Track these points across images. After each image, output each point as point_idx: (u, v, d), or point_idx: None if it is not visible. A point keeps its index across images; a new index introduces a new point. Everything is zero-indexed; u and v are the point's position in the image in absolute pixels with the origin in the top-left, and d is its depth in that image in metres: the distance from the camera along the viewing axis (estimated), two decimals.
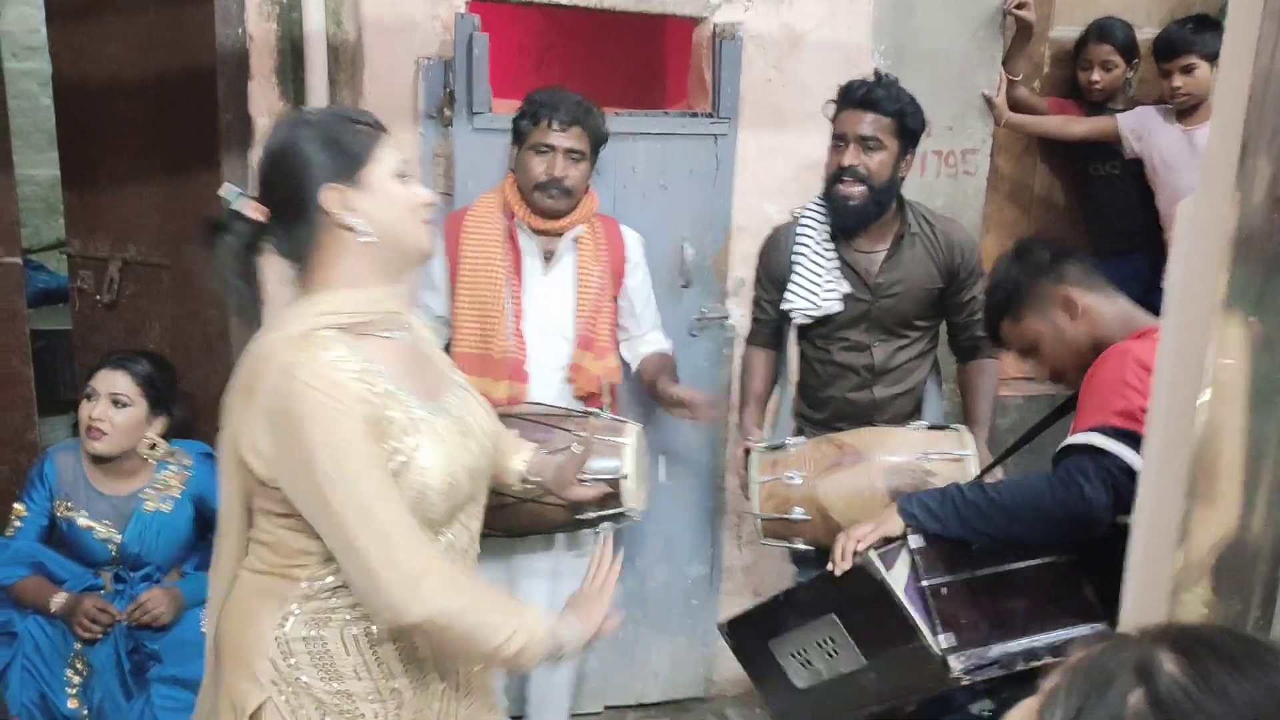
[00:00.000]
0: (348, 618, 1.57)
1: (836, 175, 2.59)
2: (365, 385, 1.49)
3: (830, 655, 2.10)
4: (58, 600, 2.56)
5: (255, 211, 1.55)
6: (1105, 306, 2.10)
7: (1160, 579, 1.04)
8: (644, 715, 3.37)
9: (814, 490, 2.50)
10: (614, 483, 2.41)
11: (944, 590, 1.91)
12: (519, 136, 2.62)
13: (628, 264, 2.75)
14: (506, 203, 2.64)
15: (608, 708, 3.33)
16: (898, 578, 1.94)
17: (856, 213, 2.59)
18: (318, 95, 2.78)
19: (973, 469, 2.45)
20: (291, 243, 1.56)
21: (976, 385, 2.79)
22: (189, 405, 2.83)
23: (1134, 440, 1.81)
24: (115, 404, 2.63)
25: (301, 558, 1.56)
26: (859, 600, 1.99)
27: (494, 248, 2.62)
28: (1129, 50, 3.47)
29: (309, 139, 1.54)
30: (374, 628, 1.58)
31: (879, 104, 2.55)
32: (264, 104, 2.82)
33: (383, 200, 1.54)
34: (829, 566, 2.04)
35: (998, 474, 2.55)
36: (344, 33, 2.81)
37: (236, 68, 2.80)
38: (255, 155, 2.82)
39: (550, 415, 2.51)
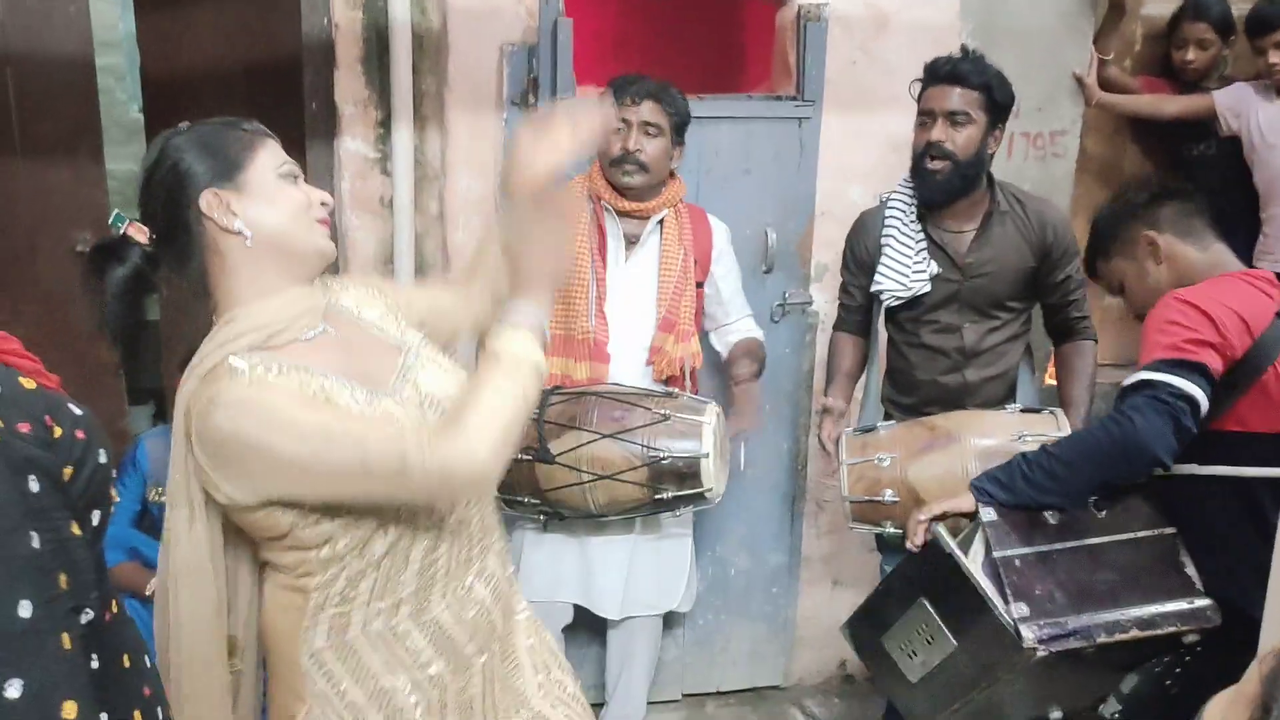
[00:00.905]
0: (364, 617, 1.53)
1: (923, 152, 2.55)
2: (296, 382, 1.43)
3: (928, 642, 2.07)
4: (153, 583, 2.60)
5: (138, 233, 1.48)
6: (1193, 253, 2.13)
7: None
8: (722, 703, 3.36)
9: (905, 472, 2.47)
10: (693, 463, 2.41)
11: (1017, 562, 1.92)
12: None
13: (714, 252, 2.73)
14: (592, 186, 2.65)
15: (686, 695, 3.31)
16: (975, 555, 1.96)
17: (942, 188, 2.55)
18: (402, 83, 2.79)
19: None
20: (182, 261, 1.49)
21: (1073, 367, 2.72)
22: None
23: (1184, 368, 1.87)
24: None
25: (302, 569, 1.52)
26: (938, 578, 2.01)
27: (579, 229, 2.62)
28: (1225, 27, 3.36)
29: (182, 148, 1.47)
30: (395, 620, 1.54)
31: (966, 77, 2.50)
32: (349, 93, 2.83)
33: (266, 202, 1.47)
34: (908, 544, 2.08)
35: None
36: (428, 20, 2.81)
37: (322, 57, 2.81)
38: (341, 143, 2.86)
39: (630, 394, 2.52)
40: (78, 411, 1.13)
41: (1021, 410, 2.55)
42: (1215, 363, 1.90)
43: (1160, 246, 2.13)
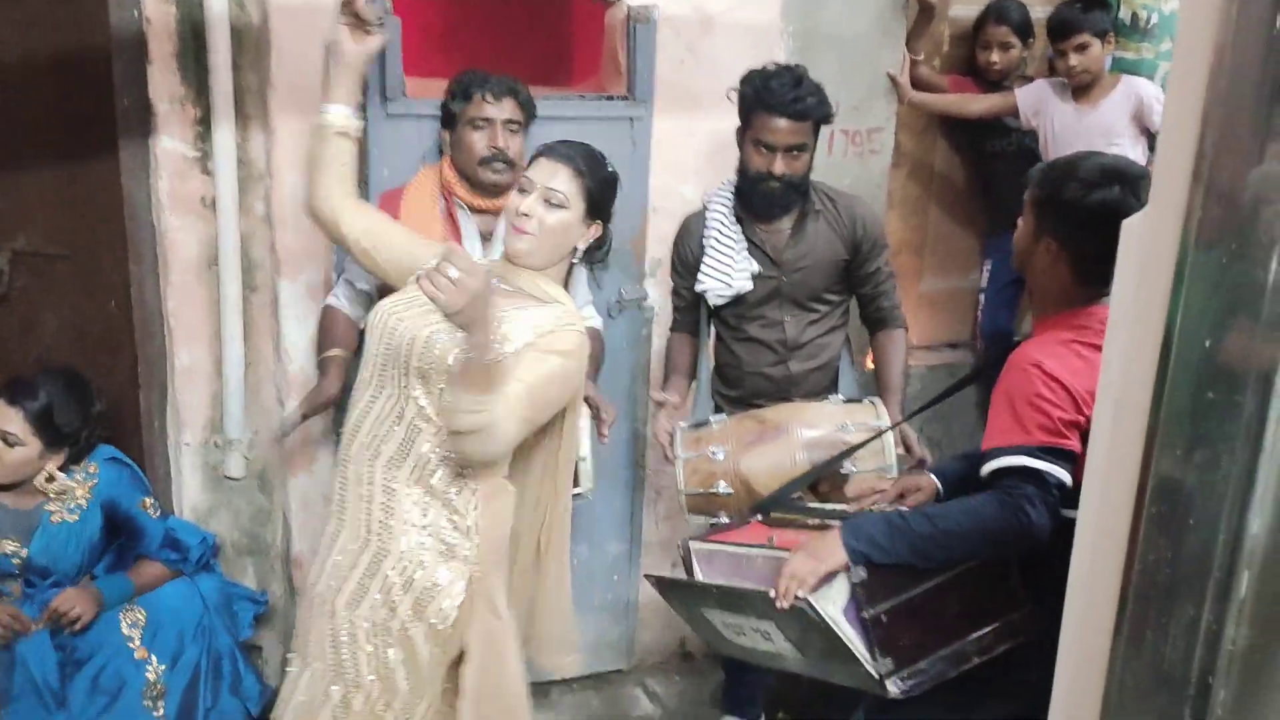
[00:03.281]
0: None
1: (763, 178, 2.63)
2: None
3: (764, 638, 2.15)
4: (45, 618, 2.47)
5: None
6: (1073, 291, 2.00)
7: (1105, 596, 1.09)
8: (566, 689, 3.41)
9: (737, 464, 2.58)
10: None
11: (884, 618, 1.90)
12: (451, 118, 2.60)
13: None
14: (445, 183, 2.62)
15: (531, 684, 3.34)
16: (835, 604, 1.92)
17: (780, 201, 2.68)
18: (221, 80, 2.70)
19: (889, 441, 2.55)
20: None
21: (887, 355, 2.87)
22: (104, 420, 2.71)
23: (1061, 456, 1.89)
24: (5, 442, 2.51)
25: None
26: (798, 626, 1.99)
27: (432, 227, 2.60)
28: (1025, 31, 3.59)
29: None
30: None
31: (806, 112, 2.58)
32: (164, 89, 2.72)
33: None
34: (770, 592, 1.96)
35: (910, 434, 2.67)
36: (248, 16, 2.71)
37: (134, 51, 2.69)
38: (157, 142, 2.74)
39: None
40: None
41: (845, 401, 2.69)
42: (1079, 445, 1.90)
43: (1058, 250, 2.00)
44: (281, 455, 2.98)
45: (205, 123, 2.76)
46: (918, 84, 3.49)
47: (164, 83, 2.72)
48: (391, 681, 2.00)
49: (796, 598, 1.91)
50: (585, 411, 2.51)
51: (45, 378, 2.60)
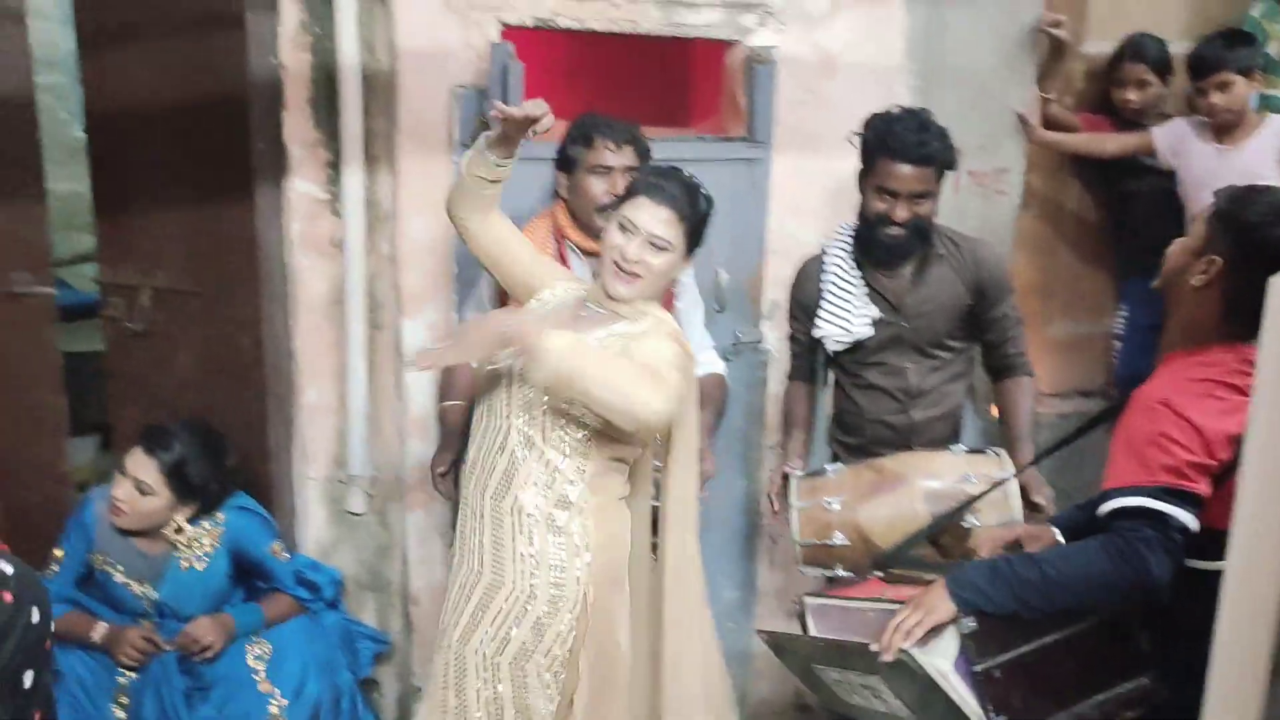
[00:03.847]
0: None
1: (884, 222, 2.57)
2: None
3: (874, 696, 2.07)
4: (100, 630, 2.55)
5: None
6: (1227, 307, 1.86)
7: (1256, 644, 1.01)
8: None
9: (854, 515, 2.50)
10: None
11: (997, 673, 1.80)
12: (570, 163, 2.62)
13: (676, 286, 2.74)
14: (558, 226, 2.64)
15: None
16: (945, 657, 1.84)
17: (904, 249, 2.61)
18: (352, 125, 2.77)
19: (1014, 493, 2.44)
20: None
21: (1014, 403, 2.76)
22: (235, 475, 2.79)
23: (1186, 500, 1.76)
24: (139, 490, 2.60)
25: None
26: (906, 682, 1.91)
27: None
28: (1163, 67, 3.44)
29: None
30: None
31: (933, 159, 2.52)
32: (298, 134, 2.81)
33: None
34: (873, 647, 1.89)
35: (1042, 487, 2.55)
36: (378, 62, 2.79)
37: (270, 97, 2.79)
38: (290, 184, 2.83)
39: None
40: (8, 571, 1.09)
41: (968, 451, 2.59)
42: (1207, 489, 1.79)
43: (1220, 272, 1.87)
44: (402, 491, 3.02)
45: (335, 166, 2.84)
46: (1048, 123, 3.38)
47: (298, 127, 2.82)
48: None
49: (900, 651, 1.83)
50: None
51: (182, 430, 2.68)
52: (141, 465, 2.60)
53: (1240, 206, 1.90)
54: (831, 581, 2.66)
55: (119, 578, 2.64)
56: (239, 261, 2.92)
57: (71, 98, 5.34)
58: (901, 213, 2.54)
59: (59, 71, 5.45)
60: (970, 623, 1.83)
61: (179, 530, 2.65)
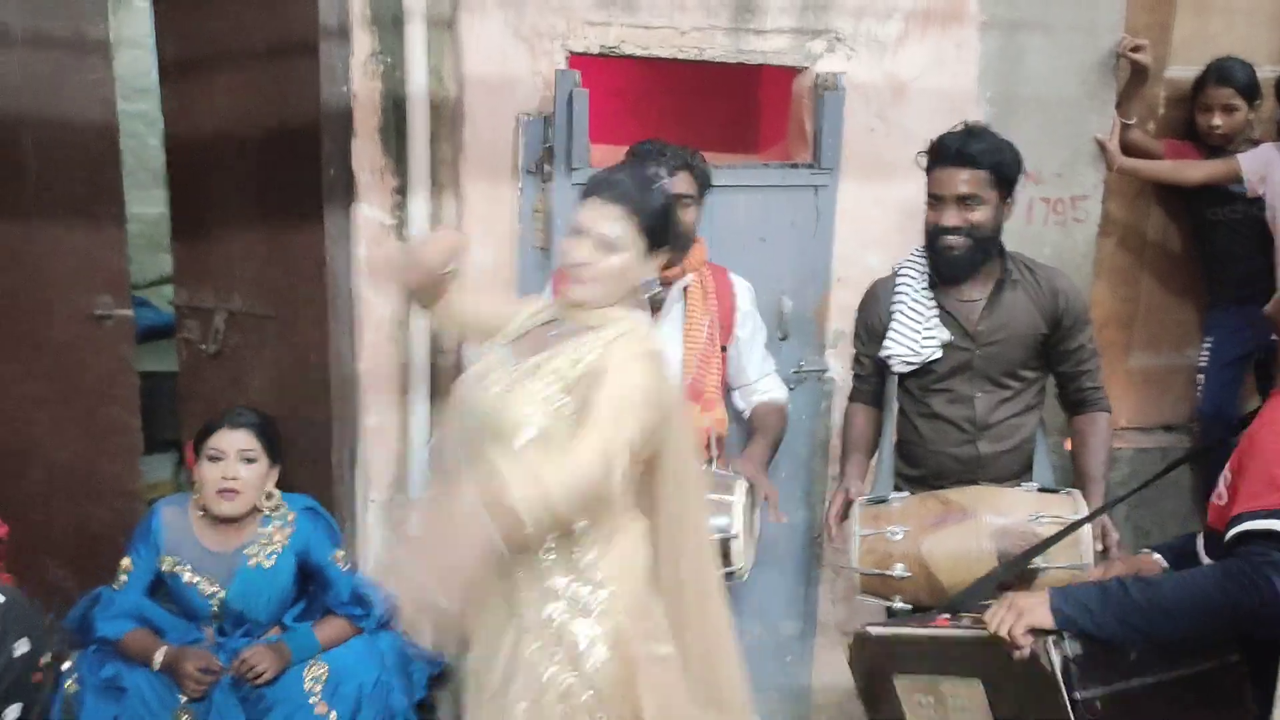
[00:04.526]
0: None
1: (937, 232, 2.52)
2: None
3: (959, 710, 2.00)
4: (159, 656, 2.59)
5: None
6: None
7: None
8: None
9: (917, 547, 2.43)
10: (723, 542, 2.38)
11: (1097, 704, 1.76)
12: None
13: (737, 313, 2.71)
14: None
15: None
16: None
17: (961, 262, 2.53)
18: (419, 152, 2.81)
19: (1086, 536, 2.36)
20: None
21: (1088, 440, 2.67)
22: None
23: None
24: (245, 460, 2.69)
25: None
26: (1019, 683, 1.86)
27: None
28: (1250, 92, 3.33)
29: None
30: None
31: (975, 159, 2.47)
32: (367, 160, 2.85)
33: None
34: (1015, 654, 1.85)
35: (1110, 531, 2.46)
36: (445, 90, 2.83)
37: (341, 124, 2.83)
38: (358, 210, 2.87)
39: None
40: None
41: (1039, 489, 2.51)
42: None
43: None
44: None
45: (402, 191, 2.88)
46: (1130, 149, 3.28)
47: (366, 154, 2.86)
48: None
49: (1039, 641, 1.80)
50: (741, 486, 2.44)
51: (240, 408, 2.82)
52: (236, 438, 2.70)
53: None
54: (891, 613, 2.60)
55: (188, 577, 2.68)
56: (308, 285, 2.97)
57: (160, 124, 5.53)
58: (950, 218, 2.48)
59: (150, 99, 5.64)
60: (1075, 646, 1.79)
61: (269, 496, 2.74)
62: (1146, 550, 2.21)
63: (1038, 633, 1.84)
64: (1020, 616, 1.82)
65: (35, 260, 2.84)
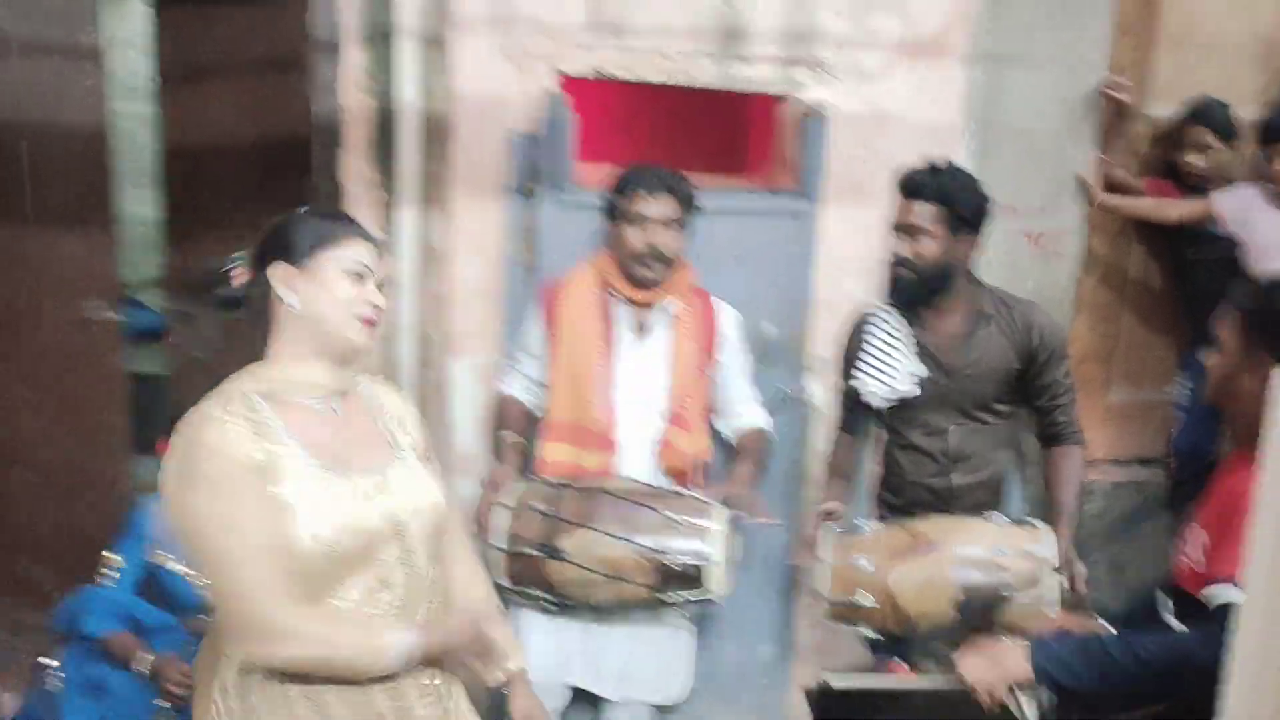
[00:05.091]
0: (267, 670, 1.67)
1: (890, 261, 2.59)
2: (254, 441, 1.63)
3: None
4: (140, 664, 2.60)
5: (239, 276, 1.77)
6: None
7: None
8: None
9: (884, 578, 2.45)
10: (701, 567, 2.42)
11: None
12: (612, 212, 2.65)
13: (719, 339, 2.75)
14: (602, 274, 2.67)
15: None
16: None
17: (903, 290, 2.59)
18: (408, 167, 2.84)
19: (1048, 569, 2.38)
20: (254, 306, 1.75)
21: (1061, 473, 2.69)
22: None
23: None
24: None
25: None
26: None
27: (589, 317, 2.66)
28: (1228, 132, 3.37)
29: (285, 223, 1.76)
30: (288, 685, 1.67)
31: (922, 191, 2.53)
32: (356, 173, 2.89)
33: (319, 285, 1.71)
34: (985, 701, 1.86)
35: (1081, 577, 2.49)
36: (435, 106, 2.86)
37: (331, 137, 2.88)
38: None
39: (637, 493, 2.53)
40: None
41: (1008, 521, 2.54)
42: None
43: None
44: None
45: (391, 206, 2.91)
46: (1111, 186, 3.33)
47: (356, 167, 2.90)
48: None
49: (1011, 695, 1.81)
50: (722, 512, 2.48)
51: None
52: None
53: (1272, 302, 1.87)
54: (869, 642, 2.63)
55: (177, 568, 2.68)
56: None
57: (154, 125, 5.57)
58: (897, 246, 2.54)
59: (142, 99, 5.67)
60: (1049, 694, 1.80)
61: None
62: (1092, 616, 2.23)
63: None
64: (998, 669, 1.83)
65: (28, 264, 2.88)
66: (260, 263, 1.73)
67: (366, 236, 1.77)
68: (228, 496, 1.60)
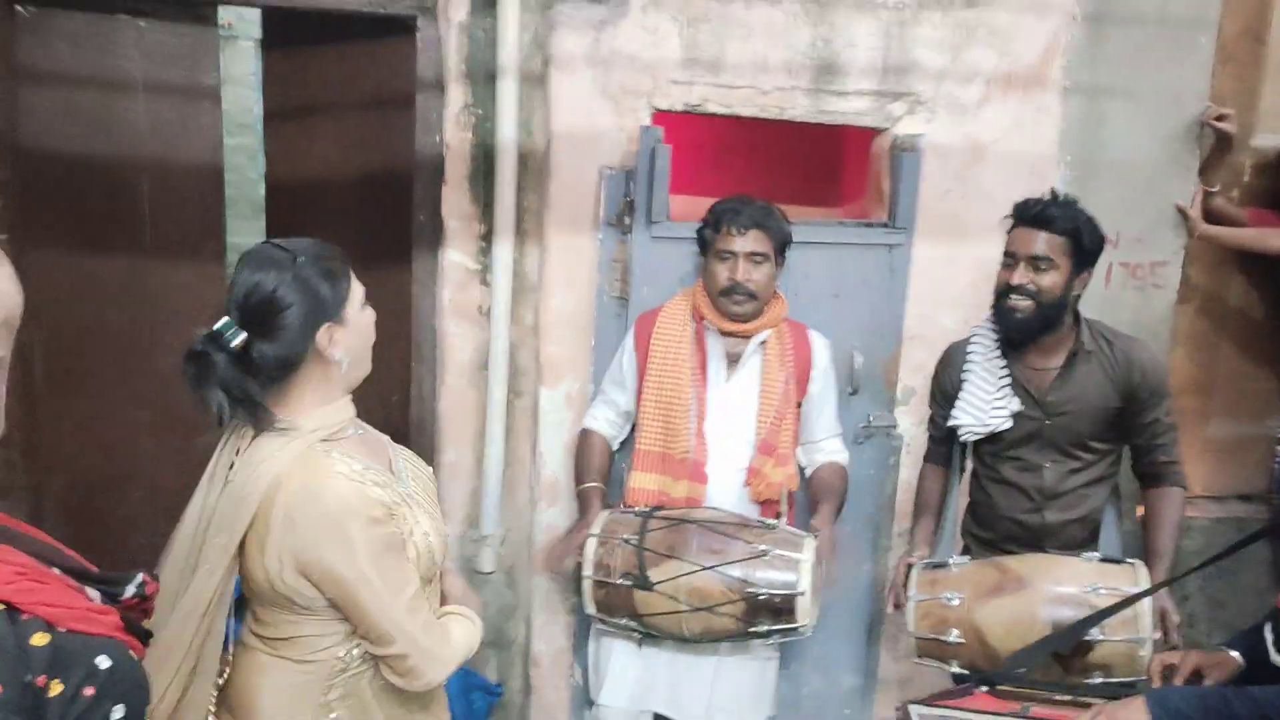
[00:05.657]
0: (373, 671, 1.76)
1: (1005, 291, 2.54)
2: (369, 482, 1.68)
3: None
4: None
5: (240, 346, 1.65)
6: None
7: None
8: None
9: (972, 614, 2.44)
10: (789, 599, 2.43)
11: None
12: (704, 245, 2.69)
13: (814, 371, 2.76)
14: (696, 305, 2.71)
15: None
16: None
17: (1022, 325, 2.54)
18: (506, 201, 2.90)
19: (1145, 611, 2.34)
20: (277, 367, 1.66)
21: (1159, 515, 2.64)
22: None
23: None
24: None
25: (328, 636, 1.72)
26: None
27: (682, 348, 2.69)
28: None
29: (301, 282, 1.65)
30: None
31: (1052, 222, 2.49)
32: (455, 208, 2.96)
33: (355, 333, 1.73)
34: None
35: (1171, 614, 2.44)
36: (534, 143, 2.93)
37: (432, 172, 2.95)
38: (445, 254, 2.99)
39: (726, 523, 2.54)
40: (103, 665, 1.10)
41: (1100, 559, 2.50)
42: None
43: None
44: (530, 554, 3.11)
45: (488, 238, 2.98)
46: (1213, 216, 3.26)
47: (456, 202, 2.97)
48: None
49: None
50: (810, 544, 2.48)
51: None
52: None
53: None
54: (955, 678, 2.60)
55: None
56: (395, 325, 3.08)
57: (260, 158, 5.79)
58: (1019, 276, 2.50)
59: (251, 134, 5.91)
60: None
61: None
62: (1222, 647, 2.18)
63: None
64: None
65: (147, 294, 3.00)
66: (290, 334, 1.65)
67: (347, 259, 1.76)
68: (385, 560, 1.66)
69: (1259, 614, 2.54)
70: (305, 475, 1.63)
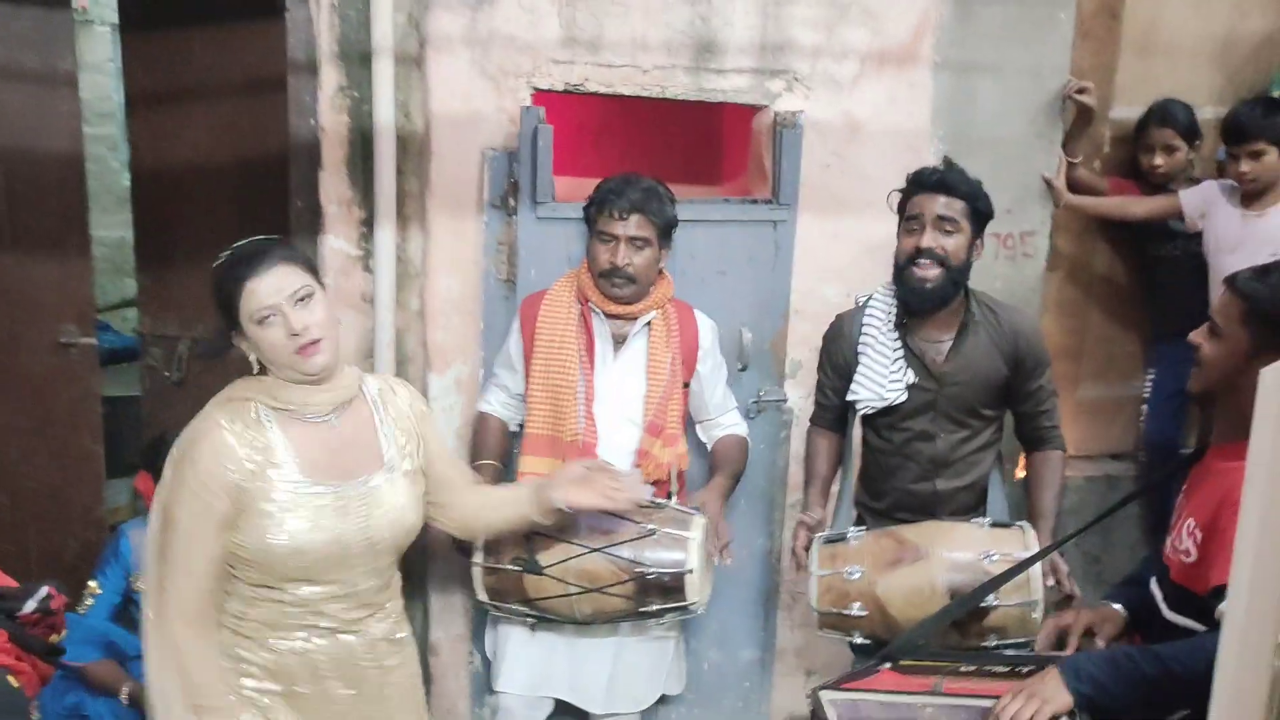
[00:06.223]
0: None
1: (911, 258, 2.53)
2: (246, 452, 1.85)
3: None
4: (126, 689, 2.59)
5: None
6: None
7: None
8: None
9: (873, 586, 2.47)
10: (679, 577, 2.43)
11: None
12: (589, 224, 2.67)
13: (700, 351, 2.77)
14: (581, 287, 2.69)
15: None
16: None
17: (932, 294, 2.53)
18: (385, 185, 2.84)
19: (1037, 573, 2.41)
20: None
21: (1042, 477, 2.72)
22: None
23: None
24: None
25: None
26: None
27: (567, 330, 2.67)
28: (1191, 133, 3.46)
29: (217, 288, 1.92)
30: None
31: (954, 186, 2.51)
32: (334, 193, 2.89)
33: (255, 343, 1.90)
34: None
35: (1060, 565, 2.53)
36: (412, 125, 2.87)
37: (308, 157, 2.87)
38: (324, 241, 2.92)
39: None
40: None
41: (991, 524, 2.56)
42: None
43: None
44: (424, 542, 3.06)
45: (369, 224, 2.92)
46: (1076, 187, 3.40)
47: (334, 186, 2.90)
48: None
49: None
50: (699, 522, 2.50)
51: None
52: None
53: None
54: (853, 648, 2.65)
55: None
56: None
57: (123, 148, 5.55)
58: (927, 239, 2.49)
59: (111, 123, 5.66)
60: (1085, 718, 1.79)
61: None
62: (1105, 602, 2.25)
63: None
64: (1042, 704, 1.82)
65: (6, 289, 2.86)
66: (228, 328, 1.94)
67: (262, 266, 1.88)
68: (195, 513, 1.82)
69: (1131, 566, 2.67)
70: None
